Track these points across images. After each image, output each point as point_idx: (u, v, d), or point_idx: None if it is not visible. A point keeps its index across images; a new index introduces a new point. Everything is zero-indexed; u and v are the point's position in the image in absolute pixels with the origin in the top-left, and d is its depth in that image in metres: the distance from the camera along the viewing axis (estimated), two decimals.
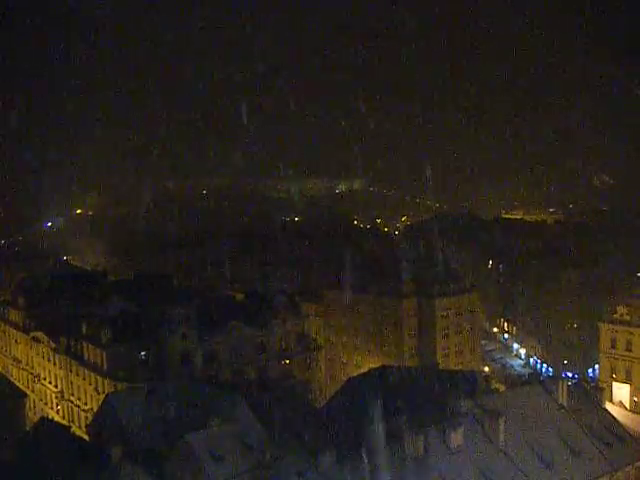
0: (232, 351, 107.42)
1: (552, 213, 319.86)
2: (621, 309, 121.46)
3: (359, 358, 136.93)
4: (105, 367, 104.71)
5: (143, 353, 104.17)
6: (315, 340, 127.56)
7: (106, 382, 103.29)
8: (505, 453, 69.04)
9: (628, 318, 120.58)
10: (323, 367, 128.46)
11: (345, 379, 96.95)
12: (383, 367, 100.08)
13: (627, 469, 76.41)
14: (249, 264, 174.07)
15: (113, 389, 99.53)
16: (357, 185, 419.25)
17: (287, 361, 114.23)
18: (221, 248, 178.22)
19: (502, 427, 70.03)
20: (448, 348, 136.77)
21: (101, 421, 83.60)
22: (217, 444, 68.56)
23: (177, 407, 77.68)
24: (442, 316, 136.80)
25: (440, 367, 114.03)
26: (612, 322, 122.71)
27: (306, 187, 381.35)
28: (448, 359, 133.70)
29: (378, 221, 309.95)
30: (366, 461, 65.20)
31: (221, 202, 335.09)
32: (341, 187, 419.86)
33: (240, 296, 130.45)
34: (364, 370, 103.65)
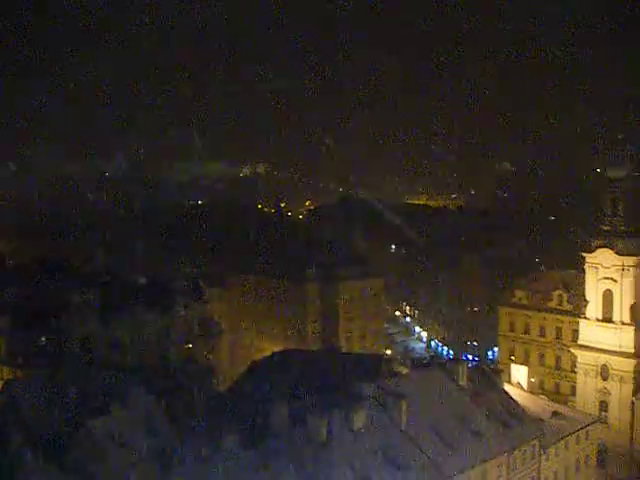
0: (134, 336, 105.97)
1: (454, 199, 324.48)
2: (519, 293, 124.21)
3: (263, 342, 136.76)
4: (3, 354, 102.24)
5: (43, 339, 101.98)
6: (218, 324, 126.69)
7: (5, 369, 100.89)
8: (407, 434, 69.85)
9: (526, 302, 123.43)
10: (226, 351, 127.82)
11: (248, 363, 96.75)
12: (286, 351, 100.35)
13: (524, 448, 78.40)
14: (151, 248, 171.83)
15: (12, 376, 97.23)
16: (261, 169, 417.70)
17: (190, 345, 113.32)
18: (123, 232, 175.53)
19: (404, 409, 70.79)
20: (351, 331, 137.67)
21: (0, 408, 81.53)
22: (119, 430, 67.59)
23: (78, 393, 76.11)
24: (345, 300, 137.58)
25: (343, 350, 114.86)
26: (511, 306, 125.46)
27: (210, 171, 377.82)
28: (351, 342, 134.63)
29: (282, 205, 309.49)
30: (269, 445, 65.22)
31: (124, 185, 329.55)
32: (245, 171, 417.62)
33: (142, 281, 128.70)
34: (267, 354, 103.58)
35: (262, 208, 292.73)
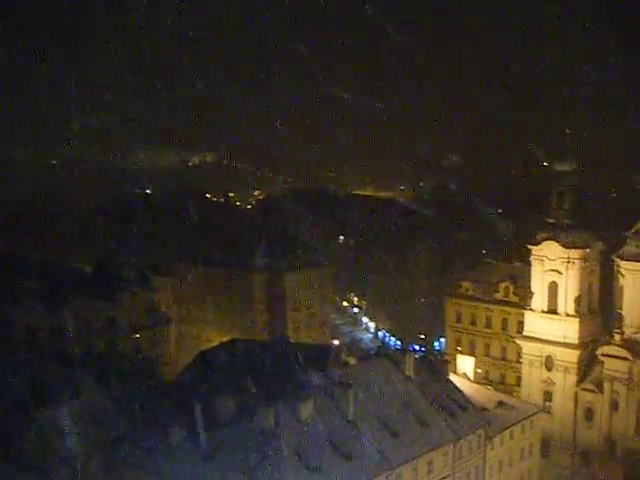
0: (80, 326, 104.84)
1: (402, 191, 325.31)
2: (466, 285, 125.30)
3: (210, 332, 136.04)
4: None
5: None
6: (166, 314, 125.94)
7: None
8: (354, 424, 70.13)
9: (473, 293, 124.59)
10: (173, 341, 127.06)
11: (196, 353, 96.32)
12: (233, 341, 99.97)
13: (469, 437, 79.28)
14: (98, 237, 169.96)
15: None
16: (210, 158, 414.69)
17: (137, 335, 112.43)
18: (69, 221, 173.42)
19: (352, 399, 71.05)
20: (299, 321, 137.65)
21: None
22: (65, 421, 66.93)
23: (23, 383, 75.22)
24: (293, 290, 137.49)
25: (290, 340, 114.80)
26: (457, 297, 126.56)
27: (157, 159, 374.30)
28: (299, 332, 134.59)
29: (231, 195, 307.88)
30: (217, 435, 65.08)
31: (71, 173, 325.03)
32: (194, 160, 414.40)
33: (89, 269, 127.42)
34: (215, 344, 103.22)
35: (211, 197, 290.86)
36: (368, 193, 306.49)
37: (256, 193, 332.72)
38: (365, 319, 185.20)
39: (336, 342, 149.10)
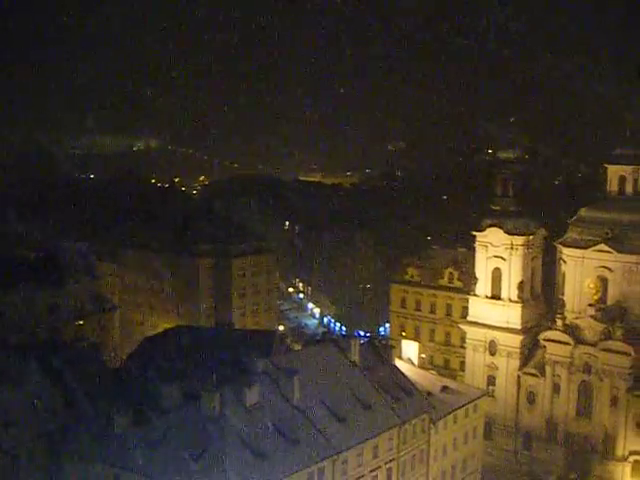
0: (23, 312, 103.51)
1: (348, 177, 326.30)
2: (411, 270, 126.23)
3: (155, 318, 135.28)
4: None
5: None
6: (110, 300, 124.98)
7: None
8: (300, 410, 70.29)
9: (418, 279, 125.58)
10: (118, 328, 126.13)
11: (141, 340, 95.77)
12: (179, 327, 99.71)
13: (414, 421, 79.95)
14: (42, 223, 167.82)
15: None
16: (155, 143, 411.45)
17: (81, 322, 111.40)
18: (13, 206, 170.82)
19: (297, 385, 71.21)
20: (244, 308, 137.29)
21: None
22: (7, 409, 66.17)
23: None
24: (238, 276, 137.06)
25: (236, 327, 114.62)
26: (402, 283, 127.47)
27: (102, 144, 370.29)
28: (244, 318, 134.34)
29: (176, 180, 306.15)
30: (162, 421, 64.85)
31: (14, 157, 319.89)
32: (138, 145, 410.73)
33: (32, 255, 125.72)
34: (160, 330, 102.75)
35: (156, 183, 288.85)
36: (314, 179, 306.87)
37: (201, 178, 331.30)
38: (310, 305, 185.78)
39: (281, 328, 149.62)
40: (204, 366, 74.33)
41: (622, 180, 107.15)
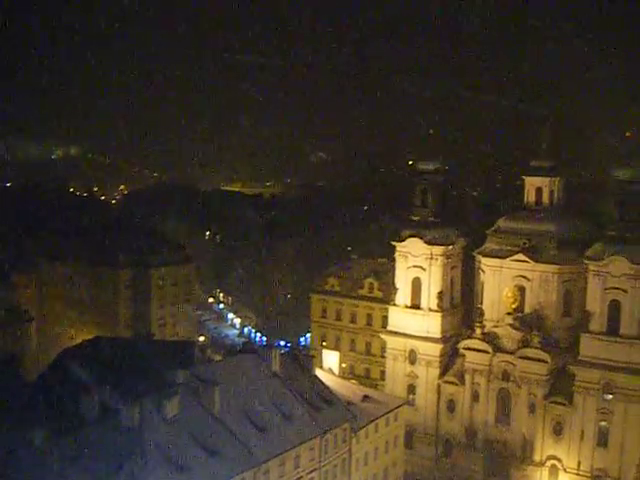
0: None
1: (269, 187, 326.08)
2: (332, 281, 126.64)
3: (73, 330, 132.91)
4: None
5: None
6: (27, 312, 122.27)
7: None
8: (221, 421, 69.81)
9: (338, 289, 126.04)
10: (35, 339, 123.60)
11: (59, 352, 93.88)
12: (97, 338, 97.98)
13: (335, 431, 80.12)
14: None
15: None
16: (74, 151, 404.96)
17: None
18: None
19: (217, 396, 70.77)
20: (164, 318, 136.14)
21: None
22: None
23: None
24: (158, 286, 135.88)
25: (156, 337, 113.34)
26: (323, 293, 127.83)
27: (18, 151, 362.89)
28: (164, 329, 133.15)
29: (95, 189, 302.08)
30: (80, 435, 63.65)
31: None
32: (57, 152, 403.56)
33: None
34: (79, 342, 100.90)
35: (75, 192, 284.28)
36: (235, 188, 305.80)
37: (121, 187, 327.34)
38: (231, 315, 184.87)
39: (202, 338, 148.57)
40: (123, 378, 73.19)
41: (539, 191, 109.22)
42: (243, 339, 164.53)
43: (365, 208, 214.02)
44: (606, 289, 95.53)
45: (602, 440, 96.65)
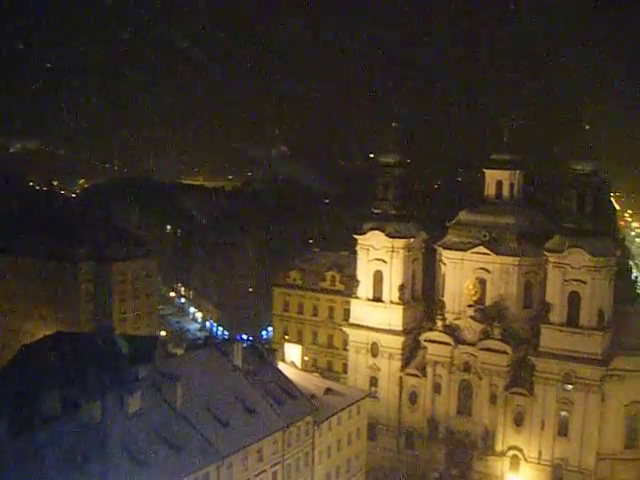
0: None
1: (230, 180, 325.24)
2: (293, 274, 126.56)
3: (34, 326, 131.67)
4: None
5: None
6: None
7: None
8: (183, 416, 69.56)
9: (300, 283, 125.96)
10: None
11: (19, 348, 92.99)
12: (58, 334, 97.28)
13: (298, 424, 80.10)
14: None
15: None
16: (32, 145, 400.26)
17: None
18: None
19: (180, 390, 70.46)
20: (125, 313, 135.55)
21: None
22: None
23: None
24: (119, 281, 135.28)
25: (117, 332, 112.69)
26: (285, 286, 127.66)
27: None
28: (125, 324, 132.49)
29: (55, 183, 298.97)
30: (41, 431, 63.09)
31: None
32: (16, 146, 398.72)
33: None
34: (39, 338, 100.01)
35: (34, 186, 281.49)
36: (196, 182, 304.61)
37: (81, 181, 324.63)
38: (192, 309, 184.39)
39: (163, 333, 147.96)
40: (84, 373, 72.74)
41: (499, 184, 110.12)
42: (205, 333, 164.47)
43: (327, 201, 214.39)
44: (565, 281, 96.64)
45: (562, 430, 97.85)
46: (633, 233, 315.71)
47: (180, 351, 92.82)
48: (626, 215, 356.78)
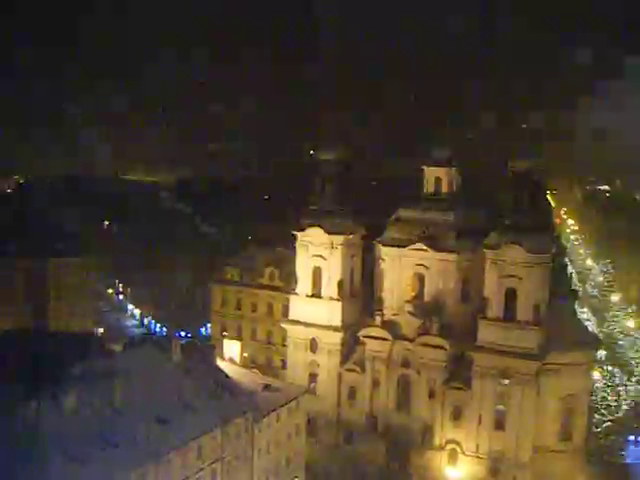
0: None
1: (169, 176, 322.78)
2: (232, 270, 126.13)
3: None
4: None
5: None
6: None
7: None
8: (121, 413, 68.92)
9: (239, 279, 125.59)
10: None
11: None
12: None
13: (237, 421, 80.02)
14: None
15: None
16: None
17: None
18: None
19: (117, 388, 69.85)
20: (62, 310, 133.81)
21: None
22: None
23: None
24: (55, 277, 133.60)
25: (53, 330, 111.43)
26: (223, 283, 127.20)
27: None
28: (62, 321, 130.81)
29: None
30: None
31: None
32: None
33: None
34: None
35: None
36: (134, 178, 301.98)
37: (17, 177, 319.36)
38: (130, 306, 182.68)
39: (101, 330, 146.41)
40: (19, 372, 71.71)
41: (438, 181, 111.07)
42: (143, 330, 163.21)
43: (267, 197, 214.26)
44: (502, 276, 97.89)
45: (499, 423, 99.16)
46: (568, 230, 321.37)
47: (118, 348, 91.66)
48: (562, 212, 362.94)
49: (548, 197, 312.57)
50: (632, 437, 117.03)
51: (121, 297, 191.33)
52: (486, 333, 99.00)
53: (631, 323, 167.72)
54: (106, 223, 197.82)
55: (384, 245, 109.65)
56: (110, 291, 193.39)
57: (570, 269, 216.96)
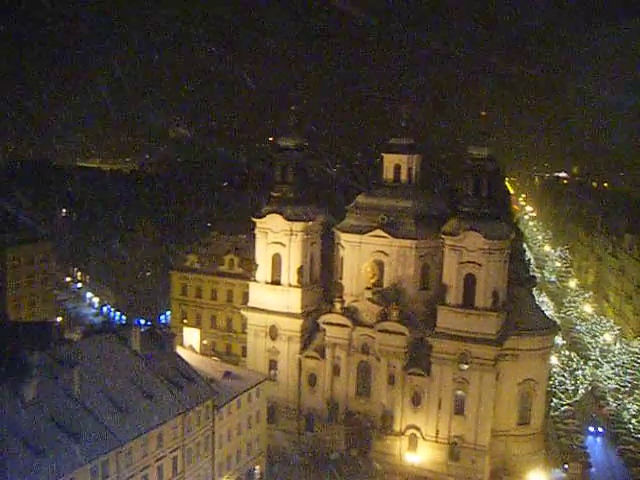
0: None
1: (128, 162, 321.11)
2: (192, 258, 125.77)
3: None
4: None
5: None
6: None
7: None
8: (81, 402, 68.64)
9: (198, 266, 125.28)
10: None
11: None
12: None
13: (198, 408, 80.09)
14: None
15: None
16: None
17: None
18: None
19: (77, 377, 69.60)
20: (19, 299, 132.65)
21: None
22: None
23: None
24: (12, 266, 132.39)
25: (11, 319, 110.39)
26: (183, 270, 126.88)
27: None
28: (20, 310, 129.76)
29: None
30: None
31: None
32: None
33: None
34: None
35: None
36: (93, 165, 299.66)
37: None
38: (89, 294, 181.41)
39: (59, 319, 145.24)
40: None
41: (397, 168, 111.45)
42: (102, 318, 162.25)
43: (226, 184, 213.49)
44: (461, 263, 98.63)
45: (459, 408, 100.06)
46: (526, 216, 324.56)
47: (77, 337, 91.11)
48: (520, 199, 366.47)
49: (507, 184, 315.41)
50: (591, 428, 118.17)
51: (79, 285, 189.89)
52: (445, 319, 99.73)
53: (588, 308, 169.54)
54: (64, 211, 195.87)
55: (343, 232, 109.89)
56: (68, 279, 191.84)
57: (528, 255, 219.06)
